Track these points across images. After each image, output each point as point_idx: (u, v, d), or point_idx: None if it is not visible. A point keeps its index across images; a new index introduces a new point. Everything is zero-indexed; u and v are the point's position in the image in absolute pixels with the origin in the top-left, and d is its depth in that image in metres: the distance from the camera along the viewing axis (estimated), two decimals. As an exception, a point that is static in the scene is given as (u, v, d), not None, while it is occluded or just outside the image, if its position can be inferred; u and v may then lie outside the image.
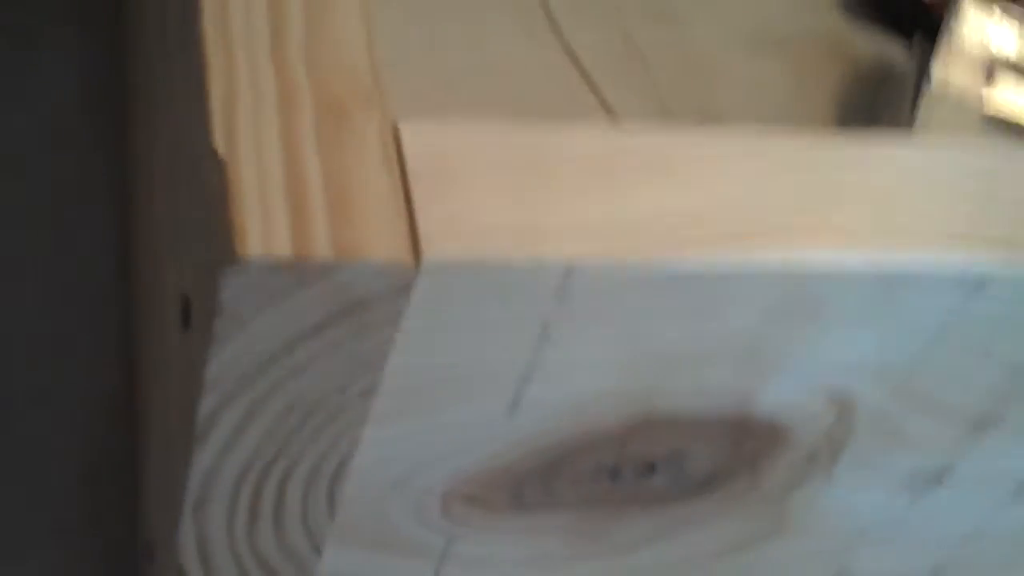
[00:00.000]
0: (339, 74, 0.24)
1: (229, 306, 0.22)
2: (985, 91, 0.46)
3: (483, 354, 0.24)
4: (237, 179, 0.22)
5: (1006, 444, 0.30)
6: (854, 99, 0.50)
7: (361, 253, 0.22)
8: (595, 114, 0.45)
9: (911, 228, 0.25)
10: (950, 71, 0.46)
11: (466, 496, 0.28)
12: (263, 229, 0.21)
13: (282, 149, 0.22)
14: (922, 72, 0.47)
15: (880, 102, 0.49)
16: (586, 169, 0.24)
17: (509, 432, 0.26)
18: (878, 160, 0.26)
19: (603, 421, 0.27)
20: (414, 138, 0.23)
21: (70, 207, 0.41)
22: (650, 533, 0.31)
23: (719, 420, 0.27)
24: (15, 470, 0.36)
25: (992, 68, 0.46)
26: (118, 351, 0.39)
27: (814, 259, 0.24)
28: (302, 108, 0.23)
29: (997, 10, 0.48)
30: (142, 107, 0.38)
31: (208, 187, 0.22)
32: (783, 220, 0.24)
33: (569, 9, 0.49)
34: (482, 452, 0.27)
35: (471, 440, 0.26)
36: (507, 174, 0.23)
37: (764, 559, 0.33)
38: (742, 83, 0.49)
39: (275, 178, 0.22)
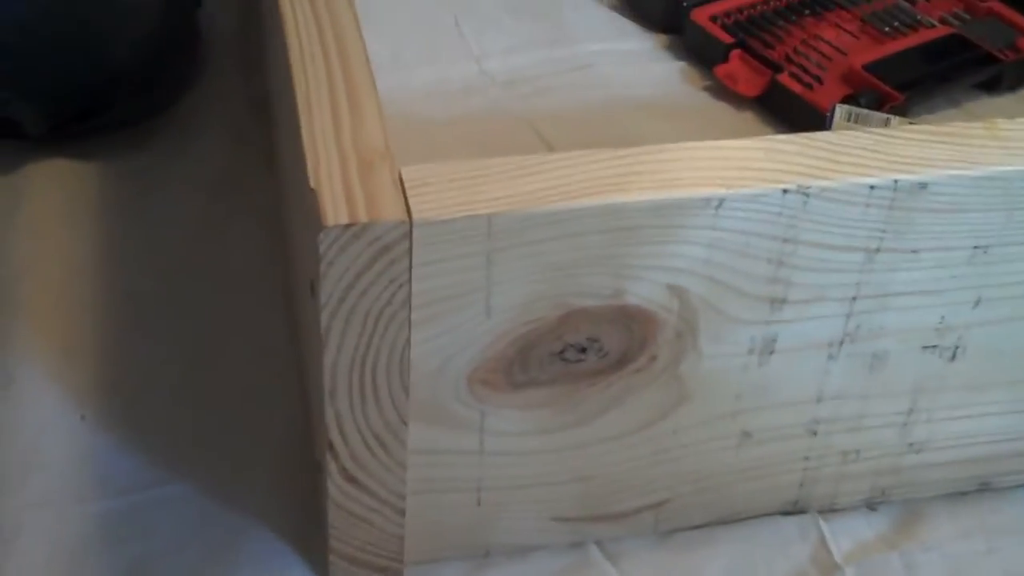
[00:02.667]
0: (368, 147, 0.47)
1: (324, 254, 0.44)
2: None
3: (461, 277, 0.47)
4: (321, 196, 0.45)
5: (800, 316, 0.51)
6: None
7: (382, 218, 0.44)
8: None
9: (674, 182, 0.47)
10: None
11: (480, 379, 0.50)
12: (334, 213, 0.44)
13: (342, 180, 0.46)
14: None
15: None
16: (498, 173, 0.47)
17: (490, 330, 0.48)
18: (660, 154, 0.48)
19: (543, 317, 0.48)
20: (408, 172, 0.46)
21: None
22: (603, 402, 0.51)
23: (610, 310, 0.49)
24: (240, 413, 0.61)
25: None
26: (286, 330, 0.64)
27: (618, 202, 0.46)
28: (351, 162, 0.47)
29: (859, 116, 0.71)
30: (280, 178, 0.63)
31: (309, 203, 0.46)
32: (602, 186, 0.46)
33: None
34: (479, 345, 0.49)
35: (470, 337, 0.48)
36: (456, 182, 0.46)
37: (683, 427, 0.53)
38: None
39: (340, 194, 0.45)
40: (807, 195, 0.47)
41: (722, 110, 0.78)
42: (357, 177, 0.46)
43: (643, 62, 0.83)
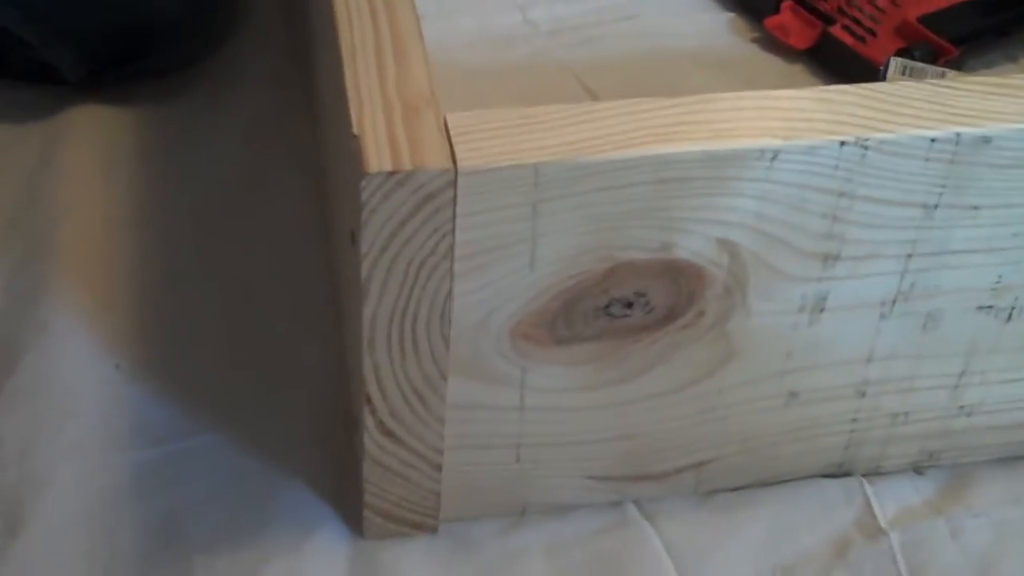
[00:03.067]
0: (414, 93, 0.46)
1: (366, 201, 0.43)
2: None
3: (506, 228, 0.45)
4: (364, 142, 0.44)
5: (853, 274, 0.49)
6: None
7: (427, 165, 0.43)
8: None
9: (728, 133, 0.45)
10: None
11: (523, 334, 0.48)
12: (378, 160, 0.43)
13: (386, 127, 0.44)
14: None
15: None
16: (546, 122, 0.45)
17: (534, 283, 0.47)
18: (712, 103, 0.46)
19: (588, 270, 0.47)
20: (454, 120, 0.45)
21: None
22: (649, 359, 0.50)
23: (658, 264, 0.47)
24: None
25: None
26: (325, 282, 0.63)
27: (669, 152, 0.44)
28: (395, 109, 0.45)
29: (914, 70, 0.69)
30: (321, 127, 0.62)
31: (352, 150, 0.44)
32: (652, 136, 0.45)
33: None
34: (523, 298, 0.47)
35: (513, 290, 0.47)
36: (503, 130, 0.45)
37: (729, 385, 0.52)
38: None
39: (383, 139, 0.44)
40: (865, 148, 0.45)
41: (772, 63, 0.77)
42: (401, 124, 0.45)
43: (691, 12, 0.81)
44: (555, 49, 0.77)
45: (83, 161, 0.70)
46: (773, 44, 0.77)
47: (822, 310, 0.50)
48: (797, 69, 0.76)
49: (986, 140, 0.46)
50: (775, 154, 0.45)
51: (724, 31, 0.79)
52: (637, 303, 0.48)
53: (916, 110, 0.46)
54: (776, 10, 0.78)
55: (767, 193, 0.46)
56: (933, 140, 0.46)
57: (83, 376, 0.59)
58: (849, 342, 0.52)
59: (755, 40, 0.78)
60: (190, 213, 0.67)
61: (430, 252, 0.45)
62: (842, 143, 0.45)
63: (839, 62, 0.75)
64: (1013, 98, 0.47)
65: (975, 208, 0.48)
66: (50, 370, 0.59)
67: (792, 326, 0.50)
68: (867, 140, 0.45)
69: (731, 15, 0.80)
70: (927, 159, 0.46)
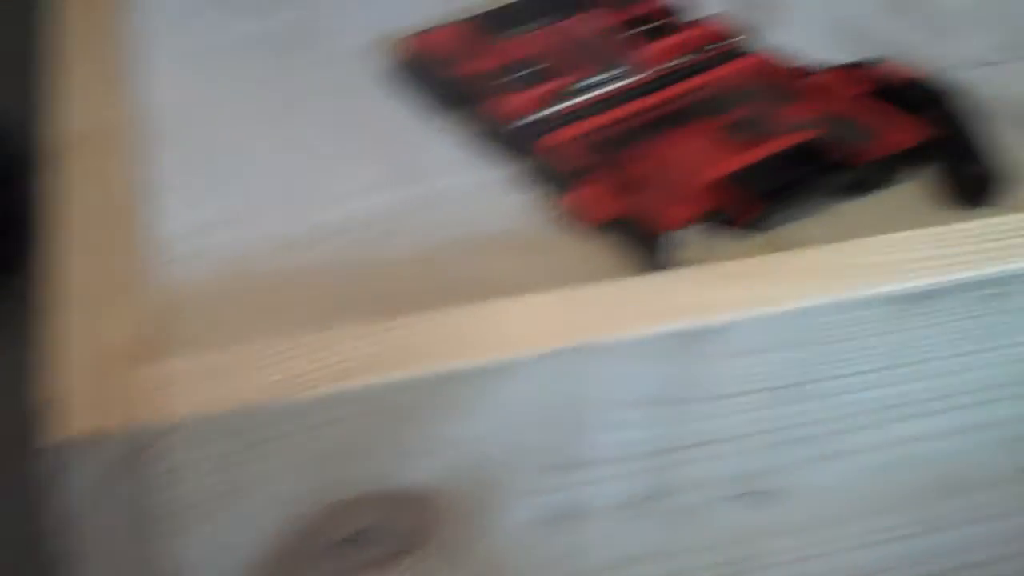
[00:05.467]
0: (123, 336, 0.44)
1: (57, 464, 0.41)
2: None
3: (215, 478, 0.43)
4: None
5: (599, 478, 0.47)
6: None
7: (126, 420, 0.41)
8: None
9: (454, 351, 0.43)
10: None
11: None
12: (72, 418, 0.41)
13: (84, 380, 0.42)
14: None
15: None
16: (253, 360, 0.43)
17: (253, 530, 0.45)
18: (435, 319, 0.45)
19: (313, 511, 0.45)
20: (156, 368, 0.43)
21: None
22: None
23: (389, 498, 0.45)
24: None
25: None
26: None
27: (389, 382, 0.43)
28: (96, 358, 0.43)
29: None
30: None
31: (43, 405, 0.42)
32: (366, 364, 0.43)
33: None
34: (243, 548, 0.45)
35: (232, 540, 0.45)
36: (210, 372, 0.43)
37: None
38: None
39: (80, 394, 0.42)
40: (593, 352, 0.44)
41: (573, 241, 0.75)
42: (100, 375, 0.43)
43: (494, 194, 0.80)
44: (347, 249, 0.75)
45: None
46: (576, 221, 0.76)
47: (573, 518, 0.48)
48: (599, 246, 0.75)
49: (717, 331, 0.45)
50: (506, 370, 0.43)
51: (528, 212, 0.78)
52: (370, 538, 0.46)
53: (639, 306, 0.45)
54: (575, 186, 0.77)
55: (501, 410, 0.44)
56: (659, 336, 0.45)
57: None
58: (604, 547, 0.49)
59: (557, 219, 0.77)
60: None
61: (136, 514, 0.43)
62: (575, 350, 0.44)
63: (638, 234, 0.74)
64: (741, 285, 0.46)
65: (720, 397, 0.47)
66: None
67: (542, 540, 0.48)
68: (597, 343, 0.44)
69: (534, 194, 0.79)
70: (656, 357, 0.45)
